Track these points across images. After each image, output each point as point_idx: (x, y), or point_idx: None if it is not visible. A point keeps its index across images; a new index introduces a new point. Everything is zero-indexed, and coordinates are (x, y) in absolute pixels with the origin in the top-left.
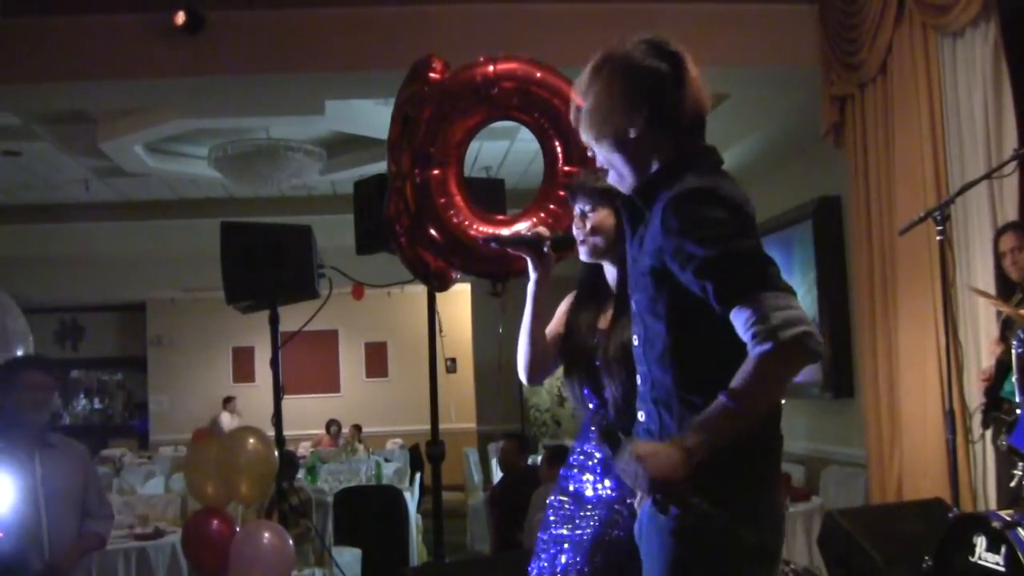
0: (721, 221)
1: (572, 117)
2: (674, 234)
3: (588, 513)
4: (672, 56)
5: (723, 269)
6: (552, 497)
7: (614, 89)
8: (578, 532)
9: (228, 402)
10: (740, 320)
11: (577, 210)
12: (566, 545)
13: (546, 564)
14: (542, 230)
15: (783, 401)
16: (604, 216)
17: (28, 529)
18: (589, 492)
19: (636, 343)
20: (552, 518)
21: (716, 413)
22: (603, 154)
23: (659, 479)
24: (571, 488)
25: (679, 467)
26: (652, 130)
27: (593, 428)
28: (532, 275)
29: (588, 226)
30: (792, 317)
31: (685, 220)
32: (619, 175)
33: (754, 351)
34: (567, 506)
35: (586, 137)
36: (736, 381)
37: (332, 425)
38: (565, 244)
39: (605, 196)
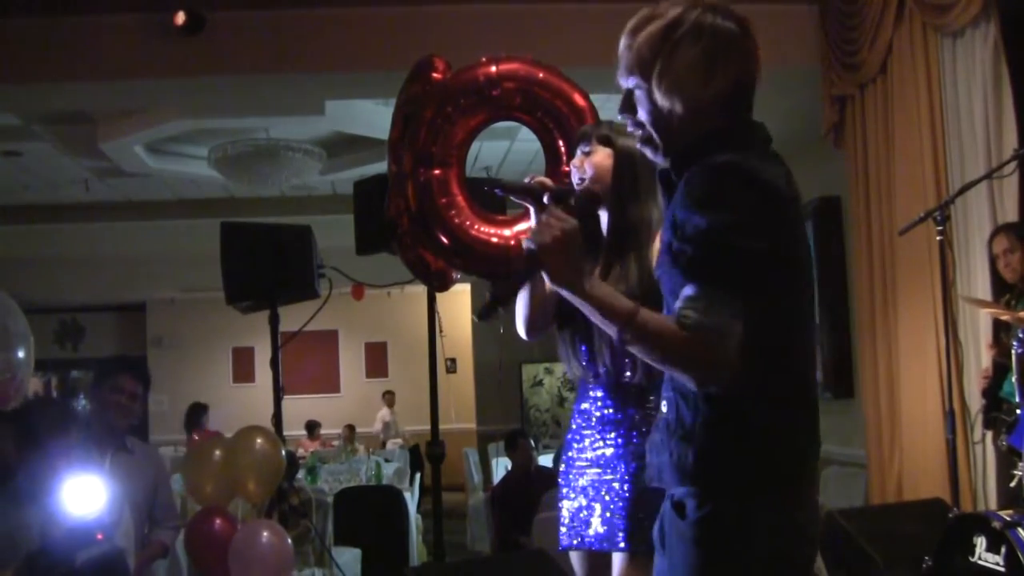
0: (739, 204)
1: (624, 58)
2: (688, 204)
3: (613, 471)
4: (740, 20)
5: (709, 249)
6: (563, 465)
7: (692, 52)
8: (612, 496)
9: (386, 396)
10: (685, 294)
11: (578, 153)
12: (598, 508)
13: (575, 529)
14: (546, 180)
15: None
16: (602, 157)
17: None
18: (607, 452)
19: None
20: (573, 484)
21: (616, 307)
22: (651, 113)
23: (543, 253)
24: (579, 447)
25: (563, 274)
26: (718, 97)
27: (590, 383)
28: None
29: (587, 169)
30: (724, 329)
31: (703, 192)
32: (660, 139)
33: (676, 325)
34: (590, 471)
35: (647, 93)
36: (646, 319)
37: (318, 427)
38: (566, 197)
39: (604, 138)
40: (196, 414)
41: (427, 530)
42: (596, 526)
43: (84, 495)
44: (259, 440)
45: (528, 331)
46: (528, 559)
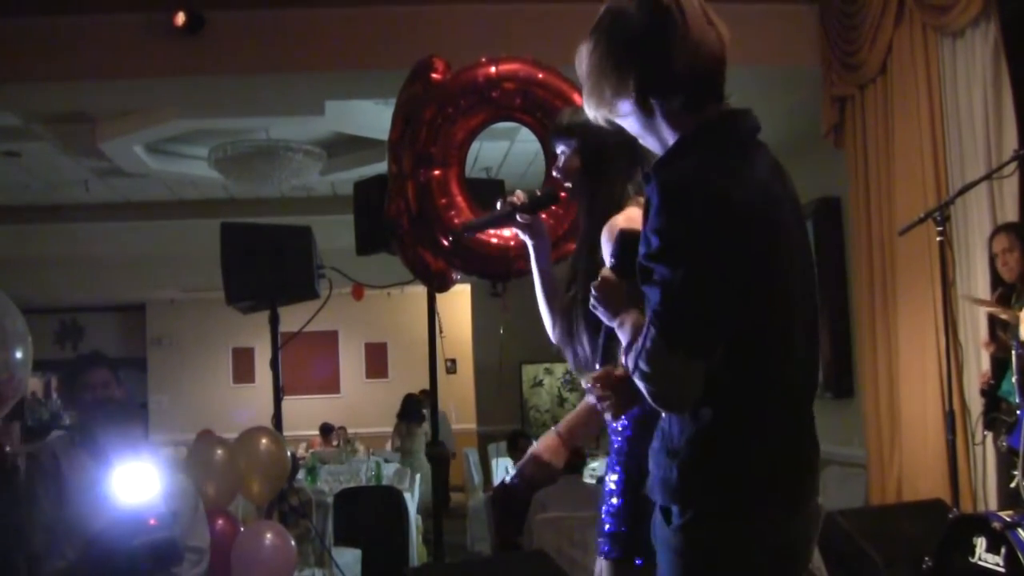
0: (679, 228)
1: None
2: (648, 228)
3: (607, 478)
4: (659, 7)
5: (655, 289)
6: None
7: (601, 55)
8: (605, 502)
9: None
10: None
11: (555, 150)
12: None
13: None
14: (515, 198)
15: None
16: (569, 155)
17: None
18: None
19: None
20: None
21: (634, 332)
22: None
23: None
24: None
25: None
26: (652, 98)
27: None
28: (527, 242)
29: (559, 167)
30: (664, 376)
31: (653, 213)
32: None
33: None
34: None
35: (592, 112)
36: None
37: (333, 430)
38: (545, 202)
39: (568, 133)
40: (411, 405)
41: (427, 530)
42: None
43: (136, 483)
44: (264, 441)
45: (557, 336)
46: (528, 559)
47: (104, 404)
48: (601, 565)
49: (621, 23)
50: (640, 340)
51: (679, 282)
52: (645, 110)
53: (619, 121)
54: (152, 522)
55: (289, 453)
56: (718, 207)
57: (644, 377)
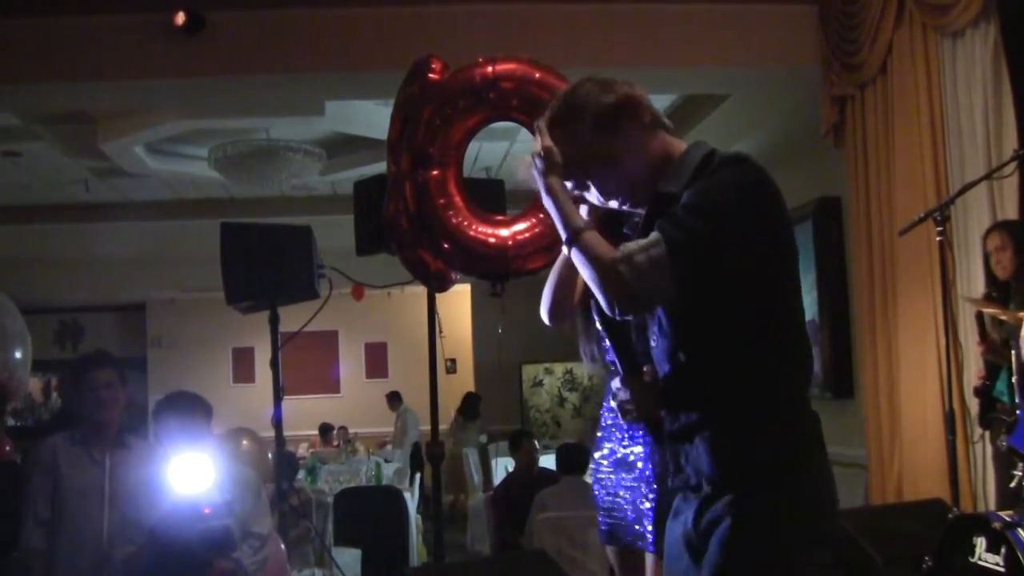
0: (727, 197)
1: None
2: (707, 187)
3: (640, 471)
4: (617, 84)
5: (696, 218)
6: (593, 464)
7: (595, 115)
8: (638, 496)
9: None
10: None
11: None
12: (627, 507)
13: (610, 525)
14: None
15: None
16: None
17: (93, 526)
18: (635, 449)
19: (654, 344)
20: (603, 482)
21: (574, 216)
22: (615, 183)
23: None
24: (610, 447)
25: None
26: (650, 131)
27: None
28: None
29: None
30: (646, 275)
31: (723, 180)
32: (634, 191)
33: (618, 250)
34: (619, 470)
35: (598, 182)
36: (594, 238)
37: (332, 430)
38: None
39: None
40: (470, 402)
41: (427, 530)
42: (627, 523)
43: (192, 473)
44: (245, 442)
45: (551, 316)
46: (528, 559)
47: (173, 396)
48: (652, 561)
49: (604, 94)
50: (647, 245)
51: (703, 228)
52: (649, 132)
53: (613, 176)
54: (207, 511)
55: (270, 454)
56: (778, 194)
57: (636, 270)
